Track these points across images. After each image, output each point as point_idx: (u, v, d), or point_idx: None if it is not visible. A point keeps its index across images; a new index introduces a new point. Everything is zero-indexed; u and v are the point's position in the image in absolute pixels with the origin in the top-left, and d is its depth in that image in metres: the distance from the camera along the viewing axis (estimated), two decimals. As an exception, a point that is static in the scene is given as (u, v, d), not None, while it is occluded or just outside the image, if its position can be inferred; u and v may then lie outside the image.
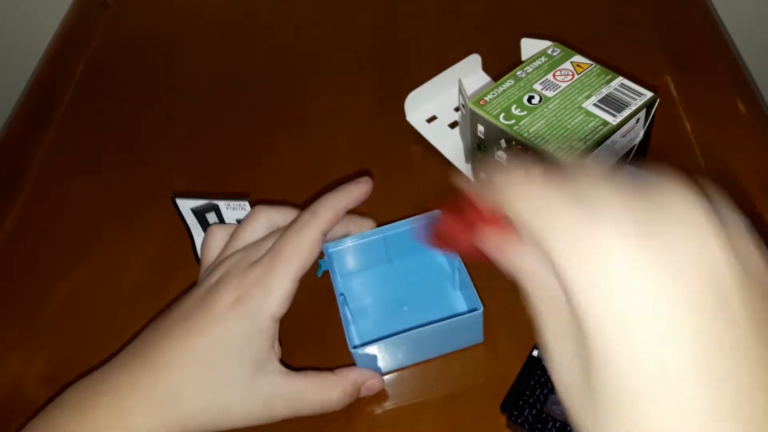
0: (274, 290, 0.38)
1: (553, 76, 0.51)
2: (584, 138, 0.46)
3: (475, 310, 0.43)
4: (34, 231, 0.59)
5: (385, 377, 0.45)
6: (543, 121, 0.47)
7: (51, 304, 0.53)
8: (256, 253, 0.41)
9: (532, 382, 0.41)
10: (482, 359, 0.45)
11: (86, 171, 0.63)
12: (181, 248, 0.55)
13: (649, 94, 0.48)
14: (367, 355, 0.43)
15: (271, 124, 0.65)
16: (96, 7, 0.83)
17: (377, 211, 0.55)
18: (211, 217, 0.50)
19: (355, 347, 0.42)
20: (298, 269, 0.39)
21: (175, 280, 0.53)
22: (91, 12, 0.83)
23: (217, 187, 0.59)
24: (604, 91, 0.49)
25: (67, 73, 0.74)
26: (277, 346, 0.40)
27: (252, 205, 0.46)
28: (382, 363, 0.44)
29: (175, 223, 0.58)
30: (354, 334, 0.47)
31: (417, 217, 0.49)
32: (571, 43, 0.56)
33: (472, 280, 0.44)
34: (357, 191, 0.43)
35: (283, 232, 0.41)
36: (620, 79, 0.49)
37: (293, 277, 0.39)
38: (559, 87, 0.50)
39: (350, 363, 0.45)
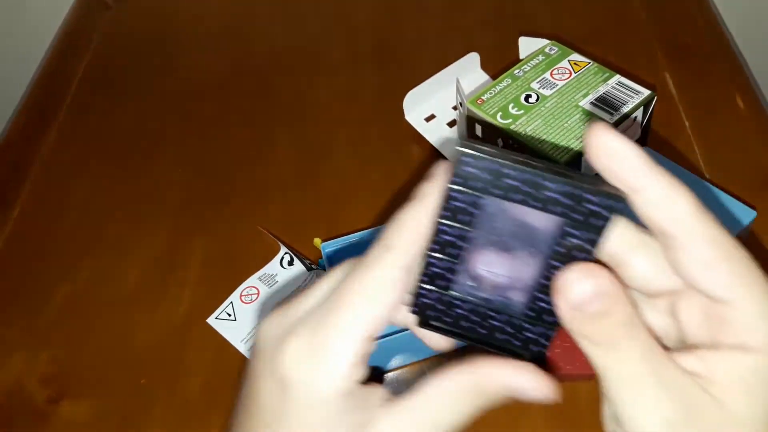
0: (334, 360, 0.24)
1: (551, 74, 0.51)
2: (581, 137, 0.46)
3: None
4: (35, 231, 0.59)
5: (384, 376, 0.45)
6: (540, 120, 0.48)
7: (53, 304, 0.53)
8: (300, 307, 0.27)
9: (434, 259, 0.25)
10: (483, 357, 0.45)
11: (87, 171, 0.64)
12: (181, 247, 0.55)
13: (646, 92, 0.48)
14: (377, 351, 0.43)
15: (271, 122, 0.65)
16: (97, 8, 0.83)
17: (375, 210, 0.55)
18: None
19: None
20: (369, 323, 0.24)
21: (175, 279, 0.53)
22: (92, 13, 0.83)
23: (216, 185, 0.60)
24: (602, 89, 0.49)
25: (68, 74, 0.75)
26: (377, 397, 0.26)
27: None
28: (381, 362, 0.44)
29: (176, 222, 0.58)
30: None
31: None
32: (569, 40, 0.56)
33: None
34: (435, 206, 0.24)
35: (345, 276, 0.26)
36: (617, 77, 0.49)
37: (364, 335, 0.24)
38: (557, 85, 0.50)
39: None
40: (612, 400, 0.23)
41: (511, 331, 0.25)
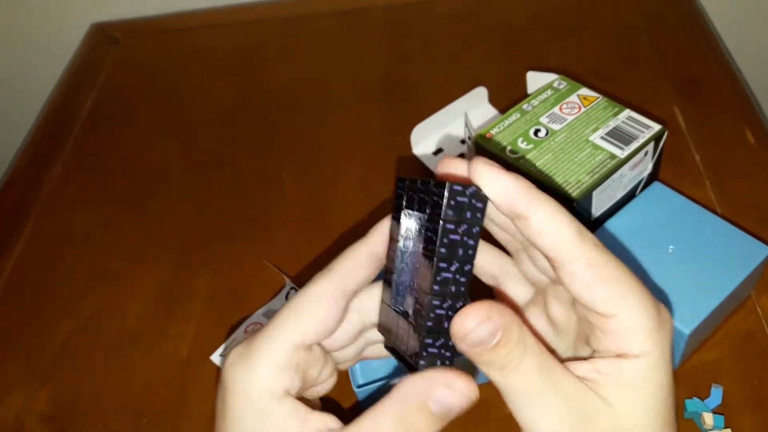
0: (259, 362, 0.28)
1: (560, 109, 0.50)
2: (592, 171, 0.45)
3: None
4: (38, 266, 0.59)
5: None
6: (550, 155, 0.47)
7: (54, 341, 0.52)
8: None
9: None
10: (494, 399, 0.44)
11: (91, 205, 0.63)
12: (185, 283, 0.55)
13: (657, 127, 0.48)
14: (373, 394, 0.42)
15: (278, 156, 0.65)
16: (105, 43, 0.84)
17: (383, 245, 0.54)
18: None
19: (359, 386, 0.41)
20: (295, 332, 0.28)
21: (178, 315, 0.53)
22: (100, 48, 0.84)
23: (221, 220, 0.59)
24: (612, 123, 0.48)
25: (75, 108, 0.75)
26: (323, 424, 0.28)
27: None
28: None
29: (180, 257, 0.58)
30: (358, 371, 0.46)
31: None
32: (578, 75, 0.56)
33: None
34: (379, 240, 0.30)
35: None
36: (627, 112, 0.49)
37: (289, 343, 0.28)
38: (566, 120, 0.49)
39: (354, 402, 0.45)
40: (517, 416, 0.25)
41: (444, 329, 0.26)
